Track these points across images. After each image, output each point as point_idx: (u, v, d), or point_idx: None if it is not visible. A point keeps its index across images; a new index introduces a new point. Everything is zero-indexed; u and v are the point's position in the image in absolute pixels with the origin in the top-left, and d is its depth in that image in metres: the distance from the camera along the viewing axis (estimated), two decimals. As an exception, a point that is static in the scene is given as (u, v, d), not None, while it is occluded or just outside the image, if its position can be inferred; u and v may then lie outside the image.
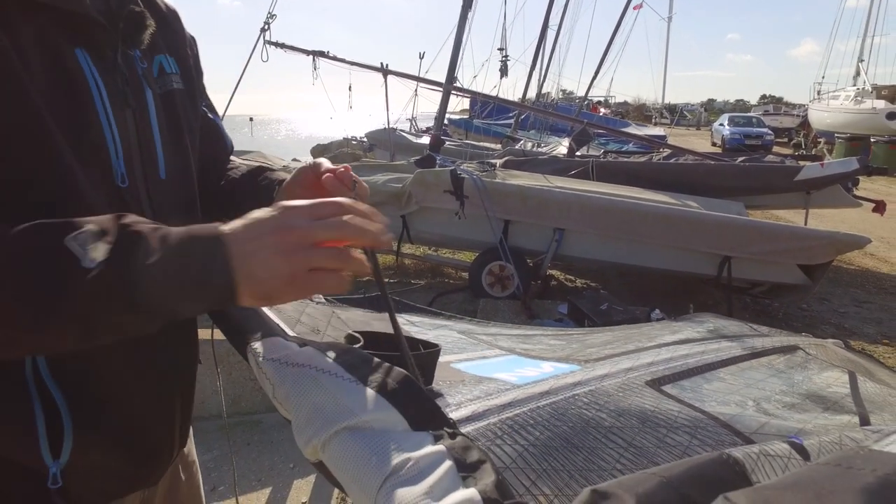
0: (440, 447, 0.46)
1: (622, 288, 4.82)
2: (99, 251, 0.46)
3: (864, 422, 0.88)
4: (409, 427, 0.49)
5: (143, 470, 0.75)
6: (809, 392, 0.98)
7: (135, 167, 0.66)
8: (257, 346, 0.65)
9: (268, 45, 7.16)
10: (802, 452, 0.54)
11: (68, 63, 0.59)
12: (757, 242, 3.78)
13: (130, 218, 0.50)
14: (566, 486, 0.59)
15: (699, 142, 23.27)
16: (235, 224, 0.51)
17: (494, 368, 0.91)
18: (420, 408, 0.51)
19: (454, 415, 0.65)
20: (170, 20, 0.78)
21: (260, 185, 0.84)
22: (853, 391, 1.04)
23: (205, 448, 2.36)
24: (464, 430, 0.64)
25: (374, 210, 0.56)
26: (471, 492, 0.42)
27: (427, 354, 0.69)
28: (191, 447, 0.96)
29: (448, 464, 0.45)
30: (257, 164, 0.92)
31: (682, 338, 1.27)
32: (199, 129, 0.84)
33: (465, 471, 0.45)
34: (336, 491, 2.18)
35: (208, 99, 0.91)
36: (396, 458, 0.45)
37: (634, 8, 12.13)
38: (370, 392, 0.51)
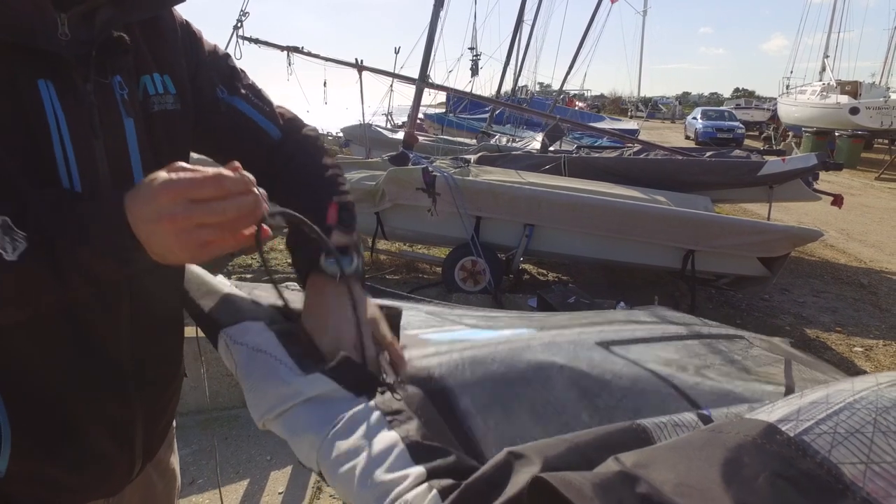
0: (371, 403, 0.58)
1: (593, 281, 4.97)
2: (20, 246, 0.52)
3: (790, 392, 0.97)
4: (349, 395, 0.59)
5: (95, 480, 0.76)
6: (745, 367, 1.07)
7: (102, 194, 0.65)
8: (230, 329, 0.74)
9: (241, 41, 7.11)
10: (708, 423, 0.61)
11: (26, 96, 0.60)
12: (718, 236, 3.94)
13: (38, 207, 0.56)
14: (515, 413, 0.71)
15: (674, 135, 23.64)
16: (135, 205, 0.54)
17: (460, 336, 0.99)
18: (357, 378, 0.61)
19: (424, 361, 0.76)
20: (167, 34, 0.76)
21: (294, 262, 0.81)
22: (786, 373, 1.14)
23: (183, 443, 2.43)
24: (429, 364, 0.76)
25: (251, 179, 0.56)
26: (393, 434, 0.54)
27: (389, 316, 0.78)
28: (170, 456, 0.96)
29: (377, 414, 0.56)
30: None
31: (633, 319, 1.37)
32: (221, 125, 0.82)
33: (392, 416, 0.57)
34: (311, 481, 2.27)
35: (238, 86, 0.85)
36: (334, 418, 0.56)
37: (612, 1, 12.24)
38: (314, 375, 0.61)
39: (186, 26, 0.81)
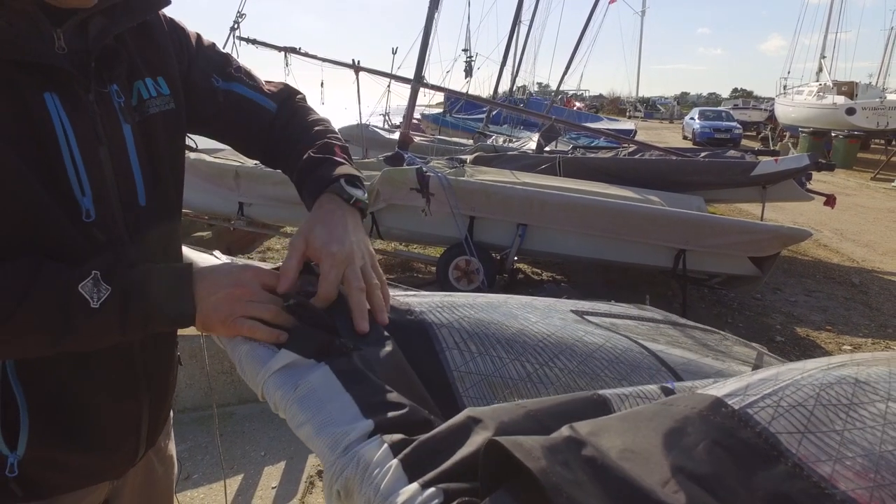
0: (326, 367, 0.64)
1: (587, 281, 5.01)
2: (102, 294, 0.64)
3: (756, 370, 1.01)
4: (310, 362, 0.65)
5: (104, 464, 0.82)
6: (716, 350, 1.10)
7: (111, 199, 0.72)
8: None
9: (239, 42, 7.15)
10: (669, 395, 0.64)
11: (35, 109, 0.64)
12: (709, 236, 3.98)
13: (123, 265, 0.67)
14: (491, 347, 0.76)
15: (671, 135, 23.70)
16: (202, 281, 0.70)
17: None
18: (314, 346, 0.67)
19: (405, 299, 0.83)
20: (157, 37, 0.79)
21: (303, 185, 0.86)
22: (757, 359, 1.18)
23: (179, 439, 2.45)
24: (409, 301, 0.83)
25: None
26: (344, 393, 0.60)
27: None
28: (168, 443, 1.02)
29: (332, 376, 0.63)
30: (307, 152, 0.87)
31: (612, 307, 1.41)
32: (223, 112, 0.88)
33: (346, 377, 0.63)
34: (304, 476, 2.30)
35: (231, 72, 0.90)
36: (296, 383, 0.63)
37: (610, 1, 12.29)
38: (280, 352, 0.67)
39: (172, 23, 0.84)
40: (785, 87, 24.64)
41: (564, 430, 0.50)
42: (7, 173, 0.62)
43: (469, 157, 5.48)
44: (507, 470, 0.46)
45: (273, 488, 2.24)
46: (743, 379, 0.61)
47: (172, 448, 1.04)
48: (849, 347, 3.94)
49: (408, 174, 3.95)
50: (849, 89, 19.14)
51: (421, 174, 3.77)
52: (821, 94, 19.18)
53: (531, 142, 8.14)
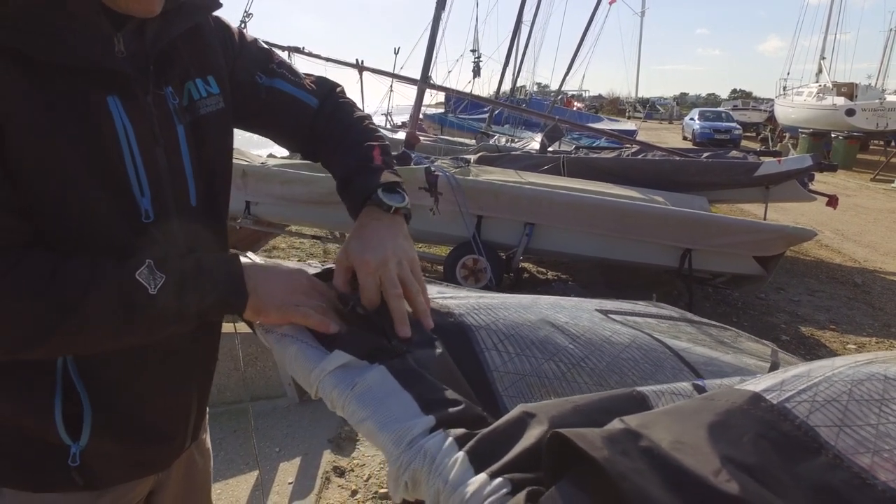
0: (382, 367, 0.67)
1: (591, 280, 5.03)
2: (158, 281, 0.66)
3: (774, 369, 1.03)
4: (363, 363, 0.68)
5: (157, 456, 0.85)
6: (733, 346, 1.13)
7: (167, 199, 0.74)
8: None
9: (243, 41, 7.14)
10: (702, 392, 0.67)
11: (98, 112, 0.66)
12: (715, 236, 4.01)
13: (174, 255, 0.70)
14: (527, 347, 0.79)
15: (671, 136, 23.71)
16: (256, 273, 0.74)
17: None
18: (369, 347, 0.70)
19: (442, 301, 0.85)
20: (206, 35, 0.81)
21: (344, 196, 0.89)
22: (773, 355, 1.21)
23: (193, 435, 2.48)
24: (447, 304, 0.85)
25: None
26: (403, 391, 0.63)
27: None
28: (206, 435, 1.04)
29: (388, 376, 0.65)
30: (351, 161, 0.88)
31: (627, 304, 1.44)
32: (266, 108, 0.89)
33: (400, 377, 0.65)
34: (320, 472, 2.33)
35: (274, 68, 0.90)
36: (353, 382, 0.65)
37: (610, 2, 12.31)
38: (334, 353, 0.70)
39: (218, 20, 0.86)
40: (784, 88, 24.66)
41: (617, 423, 0.53)
42: (72, 176, 0.64)
43: (473, 157, 5.50)
44: (565, 460, 0.48)
45: (289, 484, 2.27)
46: (777, 375, 0.64)
47: (208, 440, 1.07)
48: (853, 347, 3.98)
49: (416, 173, 3.98)
50: (848, 90, 19.17)
51: (430, 173, 3.79)
52: (821, 95, 19.21)
53: (534, 142, 8.15)
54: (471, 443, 0.54)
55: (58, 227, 0.66)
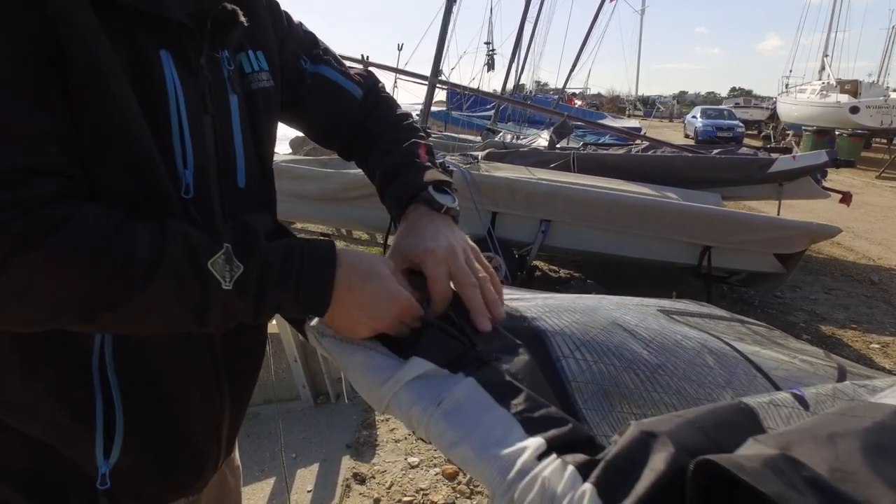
0: (470, 379, 0.58)
1: (604, 278, 4.94)
2: (235, 272, 0.56)
3: (842, 376, 0.97)
4: (445, 372, 0.59)
5: (185, 477, 0.75)
6: (789, 347, 1.08)
7: (210, 176, 0.65)
8: (314, 322, 0.71)
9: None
10: (803, 402, 0.62)
11: (152, 64, 0.58)
12: (736, 232, 3.92)
13: (254, 237, 0.59)
14: (604, 354, 0.72)
15: (672, 133, 23.67)
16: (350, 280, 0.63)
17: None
18: (449, 355, 0.61)
19: (512, 303, 0.77)
20: (259, 11, 0.74)
21: (386, 190, 0.83)
22: (826, 356, 1.14)
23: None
24: (518, 306, 0.78)
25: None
26: (499, 408, 0.54)
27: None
28: (236, 452, 0.95)
29: (479, 389, 0.57)
30: (392, 160, 0.83)
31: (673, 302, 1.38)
32: (310, 95, 0.83)
33: (493, 391, 0.56)
34: (340, 479, 2.23)
35: (320, 54, 0.85)
36: (438, 397, 0.56)
37: (610, 1, 12.26)
38: (412, 360, 0.61)
39: (273, 5, 0.79)
40: (787, 85, 24.63)
41: (760, 447, 0.45)
42: (132, 117, 0.56)
43: (480, 154, 5.40)
44: (709, 490, 0.42)
45: (308, 492, 2.17)
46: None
47: (237, 457, 0.97)
48: (877, 346, 3.89)
49: (429, 169, 3.88)
50: (852, 88, 19.13)
51: (444, 168, 3.69)
52: (824, 92, 19.18)
53: (540, 138, 8.08)
54: (596, 472, 0.46)
55: (102, 184, 0.56)
